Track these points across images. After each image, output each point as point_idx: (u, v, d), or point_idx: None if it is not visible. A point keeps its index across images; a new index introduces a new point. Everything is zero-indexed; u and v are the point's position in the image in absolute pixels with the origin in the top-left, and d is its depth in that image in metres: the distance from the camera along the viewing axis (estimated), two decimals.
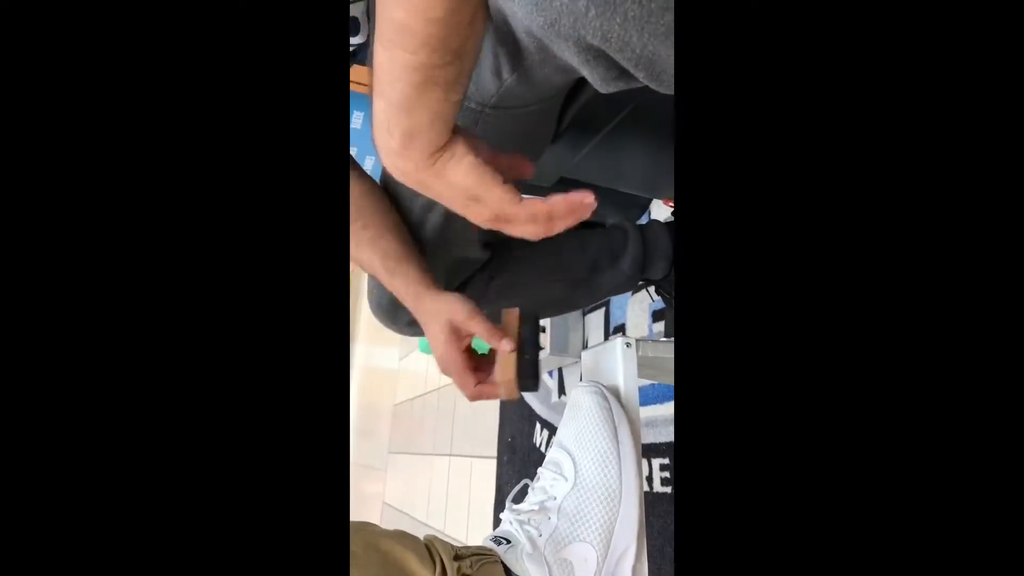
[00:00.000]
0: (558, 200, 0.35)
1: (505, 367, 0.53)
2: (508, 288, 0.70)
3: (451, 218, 0.58)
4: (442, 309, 0.55)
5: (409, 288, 0.57)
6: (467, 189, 0.36)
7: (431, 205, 0.61)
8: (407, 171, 0.36)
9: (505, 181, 0.36)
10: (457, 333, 0.55)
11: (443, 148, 0.35)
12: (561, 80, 0.49)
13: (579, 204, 0.35)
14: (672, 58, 0.30)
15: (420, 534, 0.45)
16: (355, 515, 0.43)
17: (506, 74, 0.47)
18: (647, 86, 0.36)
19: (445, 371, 0.57)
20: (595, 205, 0.36)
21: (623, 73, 0.32)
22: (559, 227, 0.36)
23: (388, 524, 0.45)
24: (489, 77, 0.49)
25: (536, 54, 0.41)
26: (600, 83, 0.34)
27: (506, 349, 0.53)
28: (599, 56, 0.31)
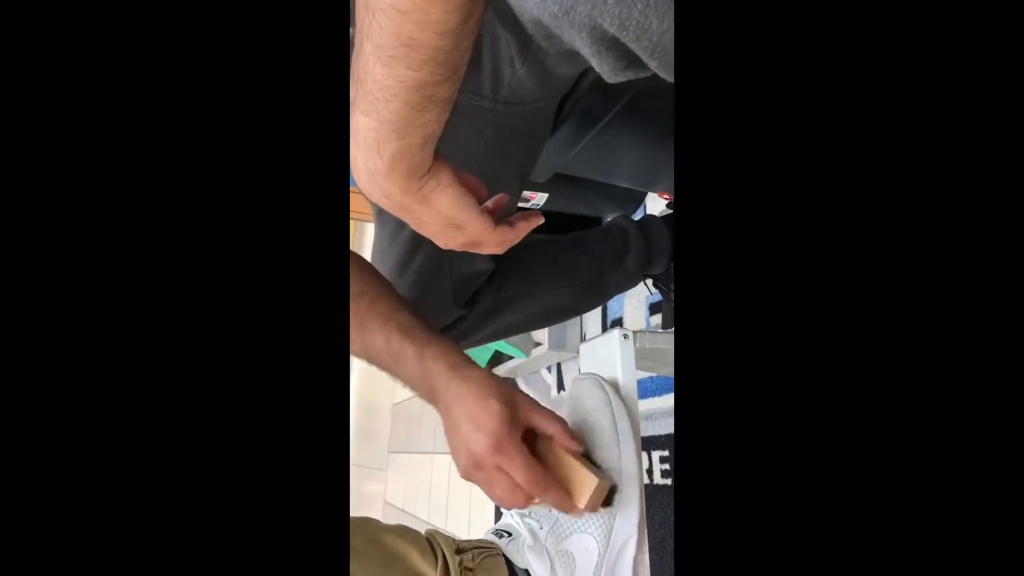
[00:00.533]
0: (522, 227, 0.42)
1: (579, 473, 0.43)
2: (516, 300, 0.69)
3: None
4: (494, 385, 0.43)
5: (447, 359, 0.45)
6: (450, 218, 0.37)
7: None
8: (391, 194, 0.35)
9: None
10: (515, 420, 0.43)
11: (428, 172, 0.35)
12: (567, 70, 0.49)
13: (535, 221, 0.42)
14: None
15: (422, 530, 0.45)
16: (356, 515, 0.43)
17: (518, 64, 0.47)
18: (646, 78, 0.36)
19: (489, 458, 0.41)
20: (542, 219, 0.43)
21: (633, 63, 0.32)
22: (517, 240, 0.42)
23: (390, 522, 0.45)
24: (503, 67, 0.48)
25: (542, 40, 0.41)
26: (609, 73, 0.34)
27: (576, 449, 0.44)
28: (611, 46, 0.31)
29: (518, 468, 0.41)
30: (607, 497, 0.45)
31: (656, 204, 1.00)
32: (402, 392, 2.61)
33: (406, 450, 2.41)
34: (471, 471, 0.43)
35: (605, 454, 0.48)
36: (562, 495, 0.43)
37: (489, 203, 0.41)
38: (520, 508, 0.44)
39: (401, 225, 0.62)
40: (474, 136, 0.54)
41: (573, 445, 0.44)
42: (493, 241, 0.40)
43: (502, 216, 0.41)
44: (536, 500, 0.43)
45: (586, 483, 0.43)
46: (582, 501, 0.43)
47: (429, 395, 0.45)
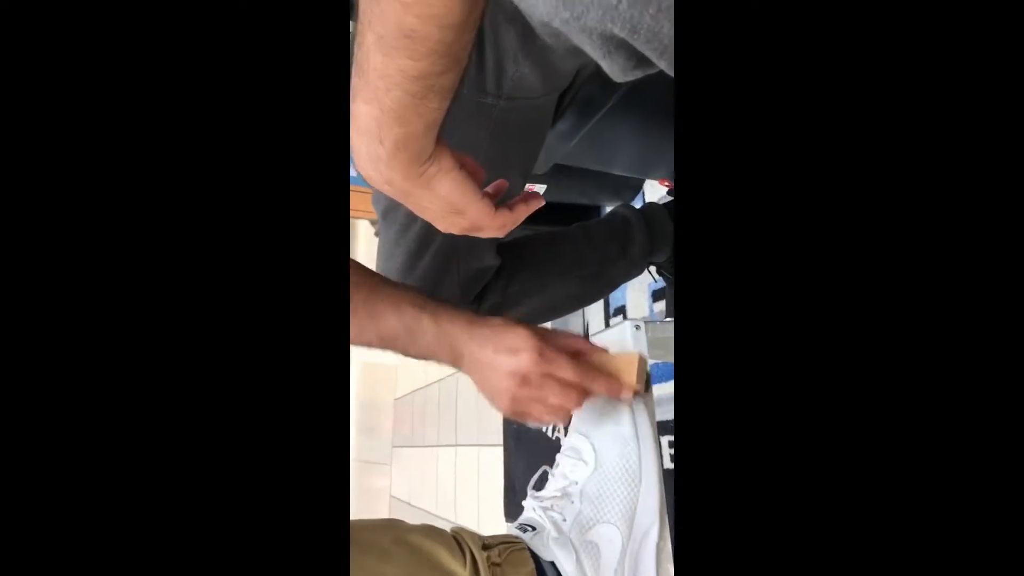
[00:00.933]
0: (522, 209, 0.42)
1: (616, 359, 0.47)
2: (524, 294, 0.69)
3: None
4: (514, 319, 0.46)
5: (463, 316, 0.46)
6: (452, 203, 0.37)
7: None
8: (393, 180, 0.35)
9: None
10: (546, 337, 0.45)
11: (430, 158, 0.35)
12: (570, 64, 0.49)
13: (535, 203, 0.43)
14: None
15: (434, 525, 0.46)
16: (363, 510, 0.44)
17: (521, 59, 0.47)
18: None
19: (536, 369, 0.43)
20: (542, 201, 0.43)
21: (642, 62, 0.32)
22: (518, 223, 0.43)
23: (396, 516, 0.45)
24: (506, 62, 0.48)
25: (548, 38, 0.41)
26: (619, 73, 0.34)
27: (604, 350, 0.47)
28: (620, 46, 0.31)
29: (566, 366, 0.43)
30: (647, 378, 0.48)
31: (656, 191, 1.00)
32: (403, 387, 2.62)
33: (409, 444, 2.42)
34: (519, 392, 0.44)
35: (622, 443, 0.49)
36: (611, 380, 0.46)
37: (489, 188, 0.41)
38: (576, 408, 0.45)
39: (407, 225, 0.62)
40: (478, 131, 0.54)
41: (600, 348, 0.46)
42: (494, 225, 0.40)
43: (501, 200, 0.41)
44: (590, 395, 0.45)
45: (629, 362, 0.46)
46: (633, 377, 0.46)
47: (452, 353, 0.46)
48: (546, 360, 0.43)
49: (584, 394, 0.45)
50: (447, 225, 0.40)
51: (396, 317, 0.46)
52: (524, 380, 0.44)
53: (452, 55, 0.30)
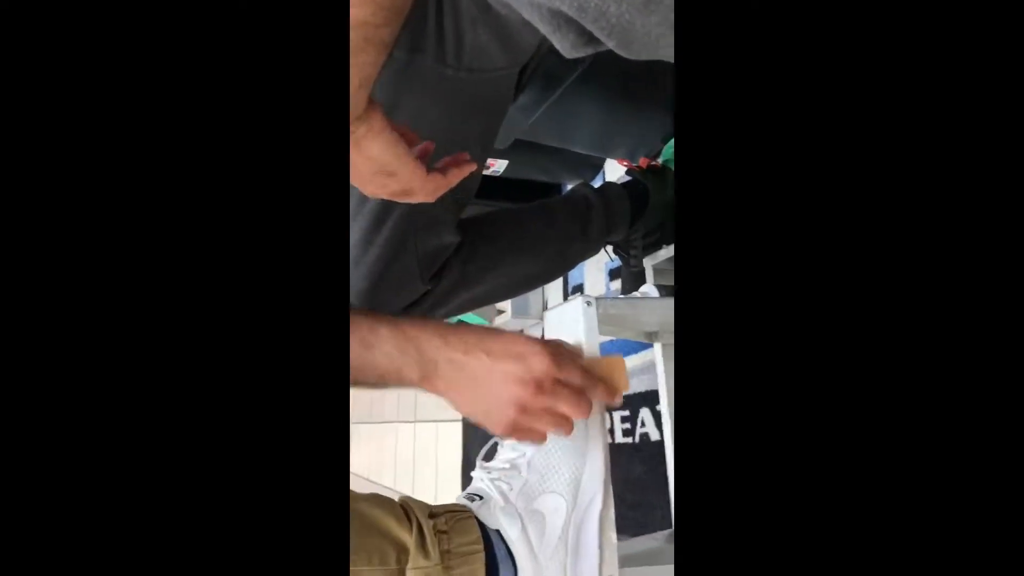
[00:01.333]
0: (454, 173, 0.41)
1: (601, 364, 0.47)
2: (483, 272, 0.68)
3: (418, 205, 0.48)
4: (503, 331, 0.41)
5: (431, 324, 0.40)
6: (384, 164, 0.36)
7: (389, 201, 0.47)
8: None
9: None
10: (557, 352, 0.40)
11: (360, 117, 0.34)
12: (531, 37, 0.49)
13: (467, 167, 0.42)
14: (645, 27, 0.30)
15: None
16: None
17: (480, 26, 0.47)
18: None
19: (551, 375, 0.39)
20: (474, 165, 0.42)
21: (592, 40, 0.32)
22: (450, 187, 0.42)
23: (353, 491, 0.45)
24: (465, 30, 0.48)
25: (502, 9, 0.41)
26: (569, 49, 0.34)
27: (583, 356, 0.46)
28: (570, 22, 0.31)
29: (576, 370, 0.40)
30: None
31: (616, 170, 1.01)
32: None
33: (368, 420, 2.42)
34: (532, 401, 0.38)
35: None
36: (608, 385, 0.44)
37: (415, 150, 0.40)
38: (584, 418, 0.41)
39: (363, 199, 0.61)
40: (438, 104, 0.54)
41: (581, 355, 0.45)
42: (426, 189, 0.39)
43: (430, 164, 0.41)
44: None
45: (617, 367, 0.46)
46: (624, 381, 0.46)
47: (421, 364, 0.39)
48: (563, 366, 0.38)
49: (589, 402, 0.40)
50: (376, 188, 0.39)
51: (351, 328, 0.38)
52: (538, 387, 0.38)
53: (394, 7, 0.30)
